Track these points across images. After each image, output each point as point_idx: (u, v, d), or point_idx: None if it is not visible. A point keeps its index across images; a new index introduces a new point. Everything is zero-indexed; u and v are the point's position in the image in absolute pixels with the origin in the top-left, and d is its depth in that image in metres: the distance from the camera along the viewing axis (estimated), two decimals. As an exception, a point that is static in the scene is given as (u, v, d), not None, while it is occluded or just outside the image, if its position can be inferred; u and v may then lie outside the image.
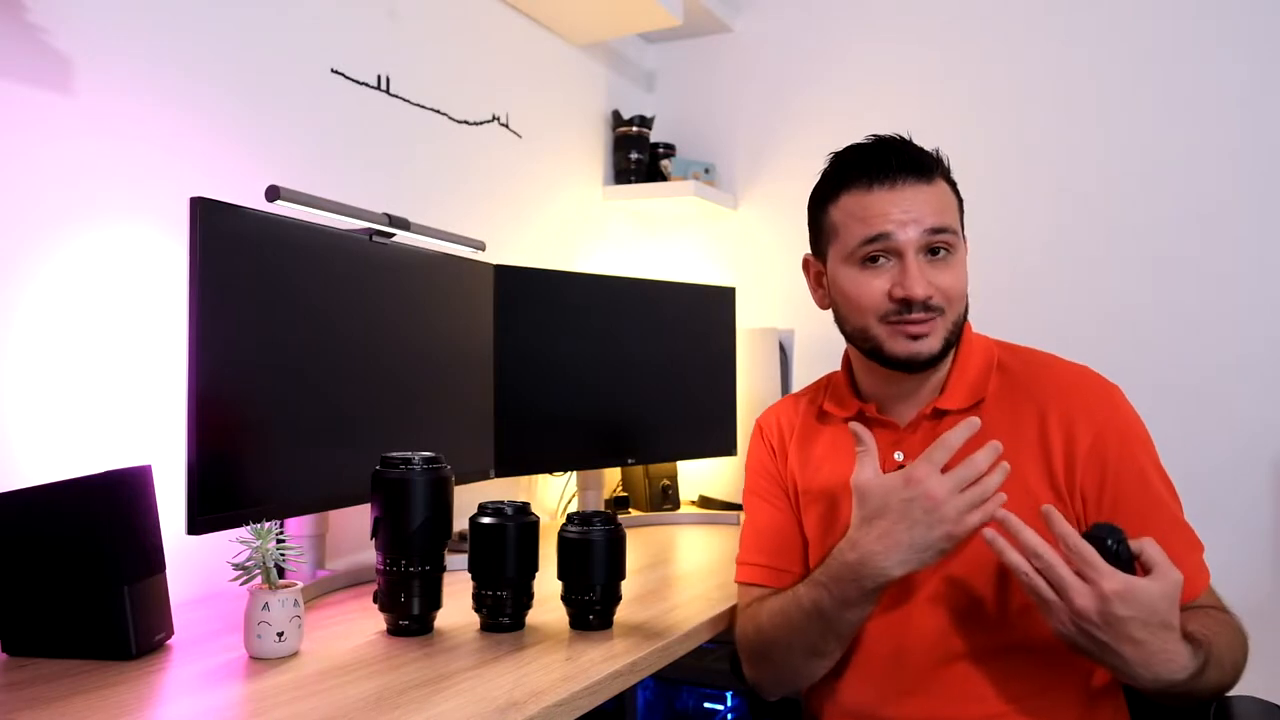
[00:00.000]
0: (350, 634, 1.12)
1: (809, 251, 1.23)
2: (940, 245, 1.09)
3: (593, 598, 1.14)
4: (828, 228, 1.15)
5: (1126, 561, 0.90)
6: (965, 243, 1.15)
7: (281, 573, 1.06)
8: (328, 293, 1.29)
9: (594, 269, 2.26)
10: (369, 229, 1.41)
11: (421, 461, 1.11)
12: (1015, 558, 0.92)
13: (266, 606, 1.01)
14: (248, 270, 1.16)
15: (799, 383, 2.18)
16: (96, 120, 1.21)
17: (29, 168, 1.14)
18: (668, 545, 1.76)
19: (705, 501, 2.22)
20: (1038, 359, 1.17)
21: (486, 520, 1.13)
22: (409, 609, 1.10)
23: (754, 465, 1.30)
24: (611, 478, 2.15)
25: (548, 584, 1.17)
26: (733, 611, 1.27)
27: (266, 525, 1.03)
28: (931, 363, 1.10)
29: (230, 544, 1.06)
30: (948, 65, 2.20)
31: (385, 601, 1.11)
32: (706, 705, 1.97)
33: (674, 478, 2.14)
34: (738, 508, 2.11)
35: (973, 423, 0.99)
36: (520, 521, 1.13)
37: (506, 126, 2.00)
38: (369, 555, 1.16)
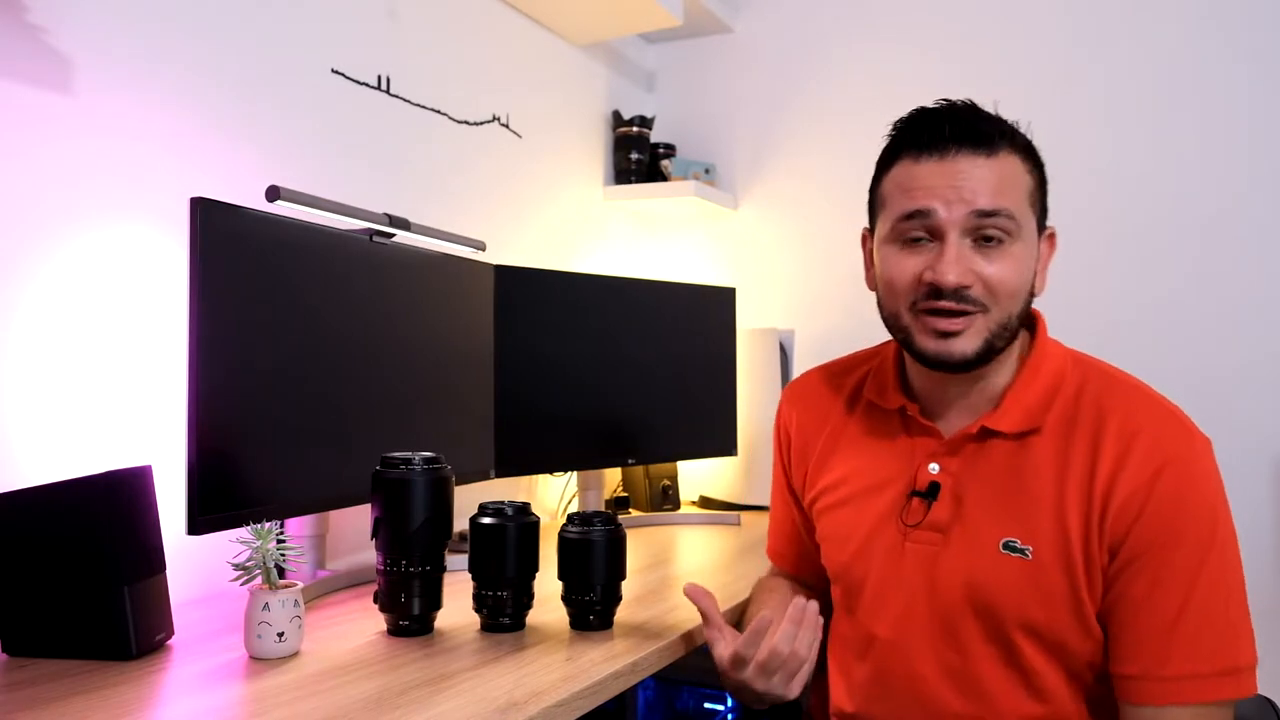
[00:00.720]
0: (350, 634, 1.12)
1: (866, 225, 1.11)
2: (994, 231, 0.95)
3: (593, 598, 1.14)
4: (878, 199, 1.04)
5: None
6: (1047, 232, 1.02)
7: (282, 573, 1.06)
8: (328, 293, 1.29)
9: (594, 269, 2.26)
10: (369, 229, 1.41)
11: (421, 461, 1.11)
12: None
13: (267, 607, 1.01)
14: (248, 270, 1.16)
15: (799, 383, 2.18)
16: (96, 120, 1.21)
17: (29, 168, 1.14)
18: (668, 545, 1.76)
19: (705, 501, 2.22)
20: (1116, 391, 0.99)
21: (487, 520, 1.13)
22: (409, 609, 1.10)
23: (774, 442, 1.26)
24: (612, 478, 2.15)
25: (548, 584, 1.17)
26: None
27: (267, 525, 1.03)
28: (967, 366, 0.97)
29: (230, 544, 1.06)
30: (948, 65, 2.20)
31: (385, 602, 1.11)
32: (706, 705, 1.97)
33: (674, 478, 2.14)
34: (738, 508, 2.11)
35: (799, 608, 1.00)
36: (520, 522, 1.13)
37: (506, 126, 2.00)
38: (369, 555, 1.16)
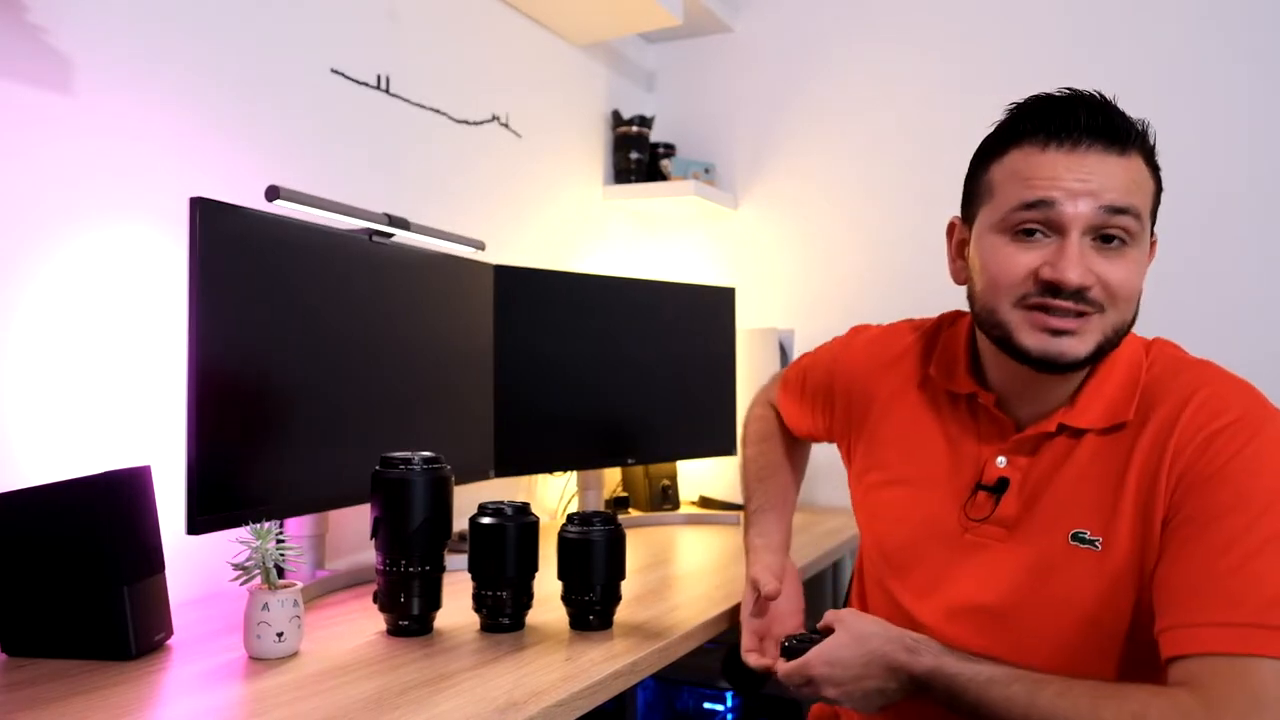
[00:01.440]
0: (350, 634, 1.12)
1: (956, 215, 1.04)
2: (1117, 231, 0.89)
3: (593, 598, 1.14)
4: (984, 187, 0.96)
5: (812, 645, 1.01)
6: (1153, 241, 0.96)
7: (281, 573, 1.06)
8: (327, 293, 1.29)
9: (594, 269, 2.26)
10: (369, 229, 1.41)
11: (421, 461, 1.11)
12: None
13: (266, 607, 1.01)
14: (248, 270, 1.16)
15: (799, 383, 2.18)
16: (96, 120, 1.21)
17: (29, 168, 1.14)
18: (668, 545, 1.76)
19: (705, 501, 2.22)
20: (1183, 367, 0.96)
21: (486, 520, 1.13)
22: (409, 609, 1.10)
23: (818, 367, 1.25)
24: (611, 478, 2.15)
25: (548, 584, 1.17)
26: (732, 612, 1.27)
27: (266, 525, 1.03)
28: (1075, 367, 0.93)
29: (230, 544, 1.06)
30: (948, 65, 2.20)
31: (385, 602, 1.11)
32: (706, 705, 1.97)
33: (674, 478, 2.14)
34: (738, 508, 2.11)
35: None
36: (520, 522, 1.13)
37: (506, 126, 2.00)
38: (369, 555, 1.16)
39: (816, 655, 0.97)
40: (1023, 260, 0.91)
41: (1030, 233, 0.91)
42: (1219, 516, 0.85)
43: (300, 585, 1.05)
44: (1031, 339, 0.92)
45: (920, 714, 0.99)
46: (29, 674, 0.96)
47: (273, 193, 1.25)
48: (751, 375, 2.14)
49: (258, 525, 1.03)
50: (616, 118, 2.36)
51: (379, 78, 1.66)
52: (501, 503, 1.15)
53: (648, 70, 2.55)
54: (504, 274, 1.69)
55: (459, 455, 1.38)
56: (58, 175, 1.17)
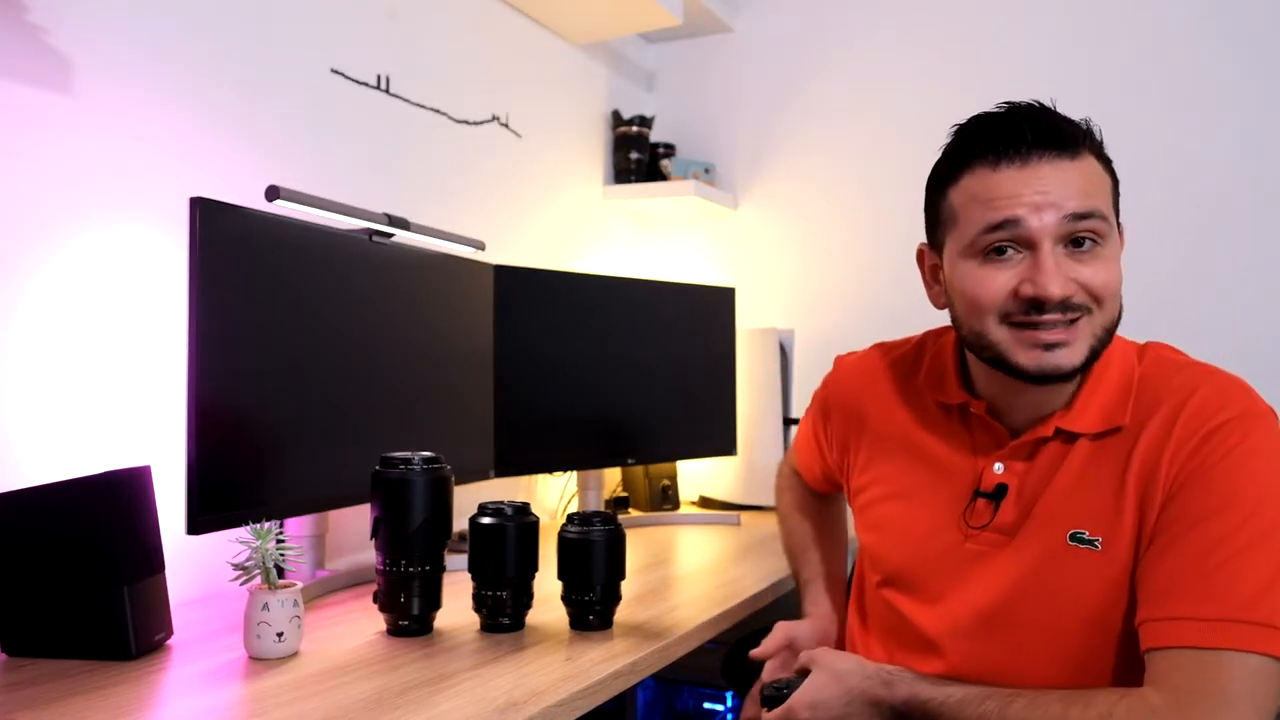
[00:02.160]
0: (350, 634, 1.12)
1: (924, 241, 1.05)
2: (1086, 234, 0.90)
3: (593, 598, 1.14)
4: (945, 214, 0.97)
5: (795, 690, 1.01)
6: (1121, 232, 0.97)
7: (281, 573, 1.06)
8: (327, 293, 1.29)
9: (594, 269, 2.26)
10: (368, 229, 1.41)
11: (421, 461, 1.11)
12: None
13: (266, 607, 1.01)
14: (248, 270, 1.16)
15: (799, 383, 2.18)
16: (96, 120, 1.21)
17: (29, 168, 1.14)
18: (668, 545, 1.76)
19: (705, 501, 2.22)
20: (1178, 369, 0.96)
21: (486, 520, 1.13)
22: (409, 609, 1.10)
23: (814, 402, 1.26)
24: (611, 478, 2.15)
25: (548, 584, 1.17)
26: (732, 611, 1.27)
27: (266, 525, 1.03)
28: (1072, 376, 0.93)
29: (230, 544, 1.06)
30: (948, 65, 2.20)
31: (385, 601, 1.11)
32: (706, 705, 1.97)
33: (674, 478, 2.14)
34: (738, 508, 2.11)
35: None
36: (520, 522, 1.13)
37: (506, 126, 2.00)
38: (369, 555, 1.16)
39: (799, 700, 0.99)
40: (1000, 280, 0.92)
41: (1001, 250, 0.92)
42: (1208, 514, 0.86)
43: (300, 585, 1.05)
44: (1026, 357, 0.92)
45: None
46: (29, 674, 0.96)
47: (273, 193, 1.25)
48: (751, 375, 2.14)
49: (258, 525, 1.03)
50: (616, 118, 2.36)
51: (379, 78, 1.66)
52: (501, 503, 1.15)
53: (648, 70, 2.55)
54: (504, 274, 1.69)
55: (459, 455, 1.38)
56: (58, 175, 1.17)
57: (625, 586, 1.18)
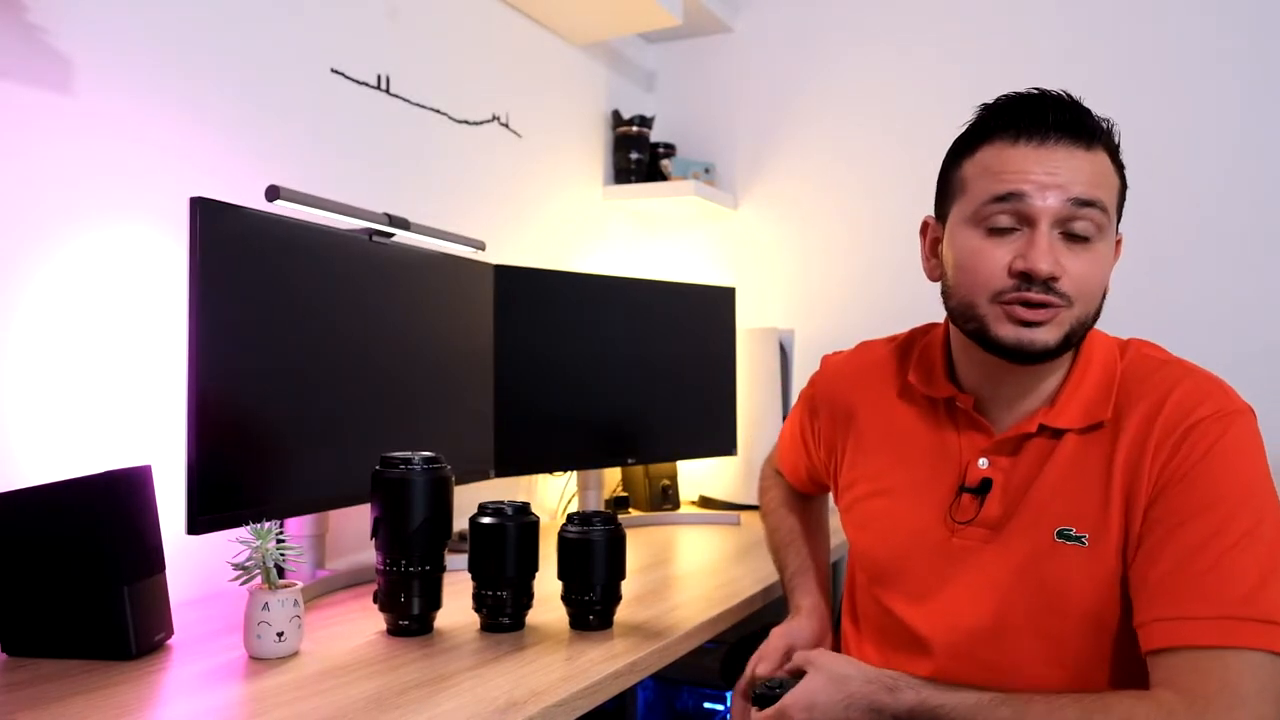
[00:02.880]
0: (350, 634, 1.12)
1: (930, 214, 1.06)
2: (1083, 224, 0.92)
3: (593, 598, 1.14)
4: (956, 184, 0.99)
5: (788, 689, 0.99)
6: (1118, 238, 0.99)
7: (281, 573, 1.06)
8: (327, 293, 1.29)
9: (594, 269, 2.26)
10: (369, 229, 1.41)
11: (421, 461, 1.11)
12: None
13: (266, 606, 1.01)
14: (248, 270, 1.16)
15: (799, 382, 2.18)
16: (96, 120, 1.21)
17: (29, 168, 1.14)
18: (668, 545, 1.76)
19: (705, 501, 2.22)
20: (1157, 366, 0.99)
21: (486, 520, 1.13)
22: (409, 609, 1.10)
23: (799, 405, 1.26)
24: (611, 478, 2.15)
25: (548, 584, 1.17)
26: (731, 611, 1.27)
27: (266, 525, 1.03)
28: (1045, 356, 0.95)
29: (230, 544, 1.06)
30: (948, 65, 2.20)
31: (385, 601, 1.11)
32: (706, 705, 1.97)
33: (674, 478, 2.14)
34: (738, 507, 2.11)
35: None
36: (520, 521, 1.13)
37: (506, 126, 2.00)
38: (369, 555, 1.16)
39: (793, 700, 0.96)
40: (997, 255, 0.94)
41: (1003, 227, 0.94)
42: (1195, 513, 0.88)
43: (300, 585, 1.05)
44: (1005, 330, 0.94)
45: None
46: (29, 674, 0.96)
47: (273, 193, 1.25)
48: (751, 375, 2.14)
49: (258, 525, 1.03)
50: (616, 118, 2.36)
51: (379, 78, 1.66)
52: (501, 503, 1.15)
53: (648, 70, 2.55)
54: (504, 274, 1.69)
55: (459, 455, 1.38)
56: (58, 175, 1.17)
57: (625, 586, 1.18)
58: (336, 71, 1.58)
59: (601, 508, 1.93)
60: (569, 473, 2.04)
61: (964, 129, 1.00)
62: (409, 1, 1.74)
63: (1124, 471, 0.93)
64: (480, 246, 1.69)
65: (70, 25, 1.18)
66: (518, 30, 2.05)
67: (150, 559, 1.04)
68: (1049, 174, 0.91)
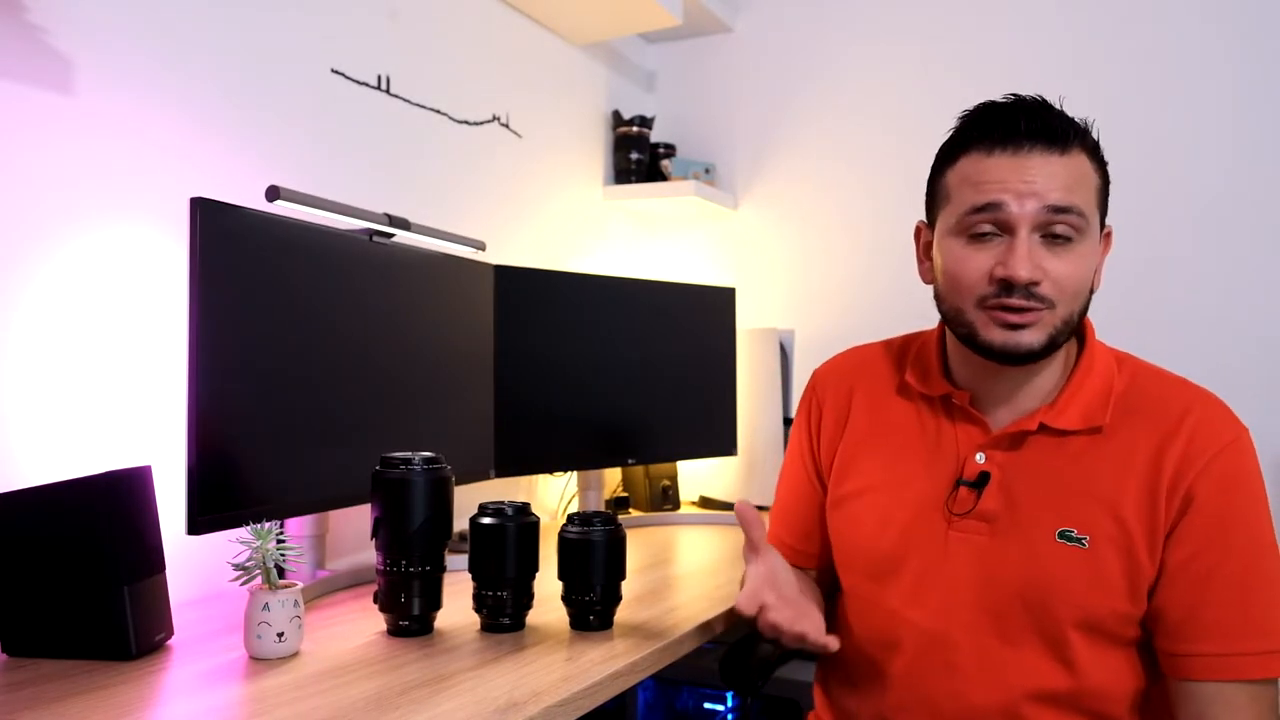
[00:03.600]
0: (350, 634, 1.12)
1: (922, 219, 1.10)
2: (1062, 228, 0.95)
3: (593, 598, 1.14)
4: (941, 192, 1.03)
5: None
6: (1105, 230, 1.03)
7: (281, 573, 1.06)
8: (327, 293, 1.29)
9: (594, 269, 2.26)
10: (369, 229, 1.41)
11: (421, 461, 1.11)
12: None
13: (266, 607, 1.01)
14: (248, 270, 1.16)
15: (799, 383, 2.18)
16: (96, 120, 1.21)
17: (29, 168, 1.14)
18: (668, 545, 1.76)
19: (705, 502, 2.22)
20: (1164, 384, 1.03)
21: (486, 520, 1.13)
22: (409, 609, 1.10)
23: (795, 425, 1.24)
24: (612, 478, 2.15)
25: (548, 584, 1.17)
26: (732, 612, 1.27)
27: (266, 525, 1.03)
28: (1031, 358, 0.98)
29: (230, 544, 1.06)
30: (948, 65, 2.20)
31: (385, 602, 1.11)
32: (706, 705, 1.97)
33: (674, 478, 2.14)
34: (738, 508, 2.11)
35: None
36: (520, 522, 1.13)
37: (506, 126, 2.00)
38: (369, 555, 1.16)
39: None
40: (979, 261, 0.97)
41: (983, 235, 0.97)
42: (1238, 550, 0.93)
43: (300, 585, 1.05)
44: (993, 334, 0.97)
45: (951, 699, 1.01)
46: (29, 674, 0.96)
47: (273, 193, 1.25)
48: (751, 375, 2.14)
49: (258, 525, 1.03)
50: (617, 118, 2.36)
51: (379, 78, 1.66)
52: (501, 503, 1.15)
53: (648, 70, 2.55)
54: (504, 274, 1.69)
55: (459, 455, 1.38)
56: (58, 176, 1.17)
57: (625, 586, 1.18)
58: (336, 71, 1.58)
59: (602, 508, 1.93)
60: (569, 473, 2.03)
61: (946, 137, 1.04)
62: (409, 1, 1.74)
63: (1136, 484, 0.96)
64: (480, 246, 1.69)
65: (70, 25, 1.18)
66: (518, 30, 2.05)
67: (150, 559, 1.04)
68: (1025, 182, 0.94)
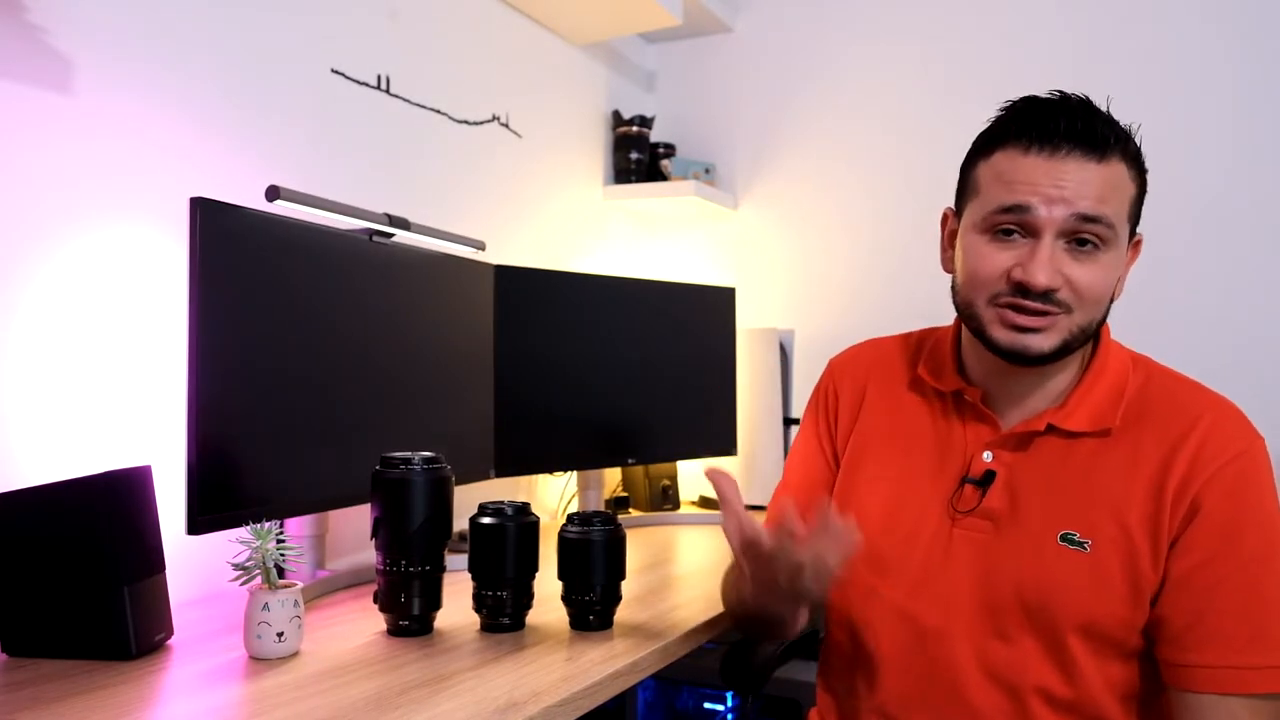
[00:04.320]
0: (350, 634, 1.12)
1: (950, 206, 1.08)
2: (1089, 236, 0.93)
3: (593, 598, 1.14)
4: (972, 184, 1.00)
5: None
6: (1135, 239, 1.00)
7: (281, 573, 1.06)
8: (328, 293, 1.29)
9: (594, 269, 2.26)
10: (369, 229, 1.41)
11: (421, 461, 1.11)
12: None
13: (266, 607, 1.01)
14: (248, 270, 1.16)
15: (799, 382, 2.18)
16: (96, 120, 1.21)
17: (29, 168, 1.14)
18: (668, 545, 1.76)
19: (705, 501, 2.22)
20: (1180, 388, 1.01)
21: (486, 520, 1.13)
22: (409, 609, 1.10)
23: (808, 412, 1.22)
24: (612, 478, 2.15)
25: (548, 584, 1.17)
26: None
27: (266, 525, 1.03)
28: (1040, 361, 0.96)
29: (230, 544, 1.06)
30: (949, 65, 2.20)
31: (385, 602, 1.11)
32: (706, 705, 1.97)
33: (674, 478, 2.14)
34: (738, 508, 2.11)
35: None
36: (520, 522, 1.13)
37: (506, 126, 2.00)
38: (369, 555, 1.16)
39: None
40: (999, 260, 0.95)
41: (1008, 232, 0.95)
42: (1246, 562, 0.92)
43: (300, 585, 1.05)
44: (1000, 334, 0.96)
45: (952, 697, 1.01)
46: (29, 674, 0.96)
47: (273, 193, 1.25)
48: (751, 375, 2.14)
49: (258, 525, 1.03)
50: (616, 118, 2.36)
51: (379, 78, 1.66)
52: (501, 503, 1.15)
53: (648, 70, 2.55)
54: (504, 274, 1.69)
55: (459, 455, 1.38)
56: (58, 175, 1.17)
57: (625, 586, 1.18)
58: (336, 71, 1.58)
59: (601, 508, 1.93)
60: (569, 473, 2.03)
61: (985, 126, 1.01)
62: (409, 1, 1.74)
63: (1143, 490, 0.95)
64: (480, 246, 1.69)
65: (70, 25, 1.18)
66: (518, 30, 2.05)
67: (150, 559, 1.04)
68: (1056, 186, 0.92)
